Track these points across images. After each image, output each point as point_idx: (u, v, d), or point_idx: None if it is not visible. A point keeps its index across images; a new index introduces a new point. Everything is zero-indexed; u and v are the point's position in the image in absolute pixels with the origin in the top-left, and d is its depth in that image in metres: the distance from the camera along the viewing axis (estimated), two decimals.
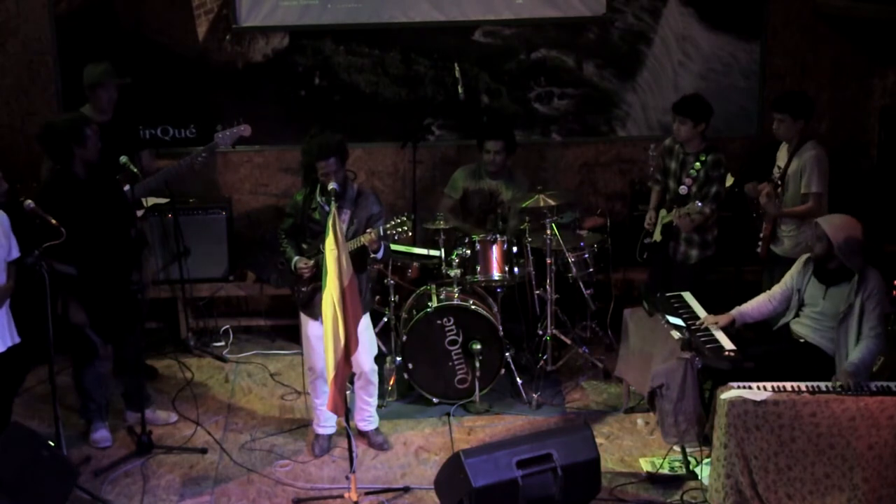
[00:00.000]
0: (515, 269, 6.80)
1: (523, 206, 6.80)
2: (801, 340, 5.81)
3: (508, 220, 7.17)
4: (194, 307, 7.48)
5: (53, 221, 5.41)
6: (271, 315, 7.74)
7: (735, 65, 7.77)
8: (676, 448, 5.84)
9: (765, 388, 5.32)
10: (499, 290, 6.83)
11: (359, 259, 5.70)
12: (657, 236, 6.75)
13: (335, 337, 5.17)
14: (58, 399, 5.65)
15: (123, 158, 5.94)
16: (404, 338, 6.50)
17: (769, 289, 6.10)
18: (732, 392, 5.30)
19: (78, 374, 6.19)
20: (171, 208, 6.95)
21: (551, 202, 6.69)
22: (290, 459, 6.06)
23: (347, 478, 5.50)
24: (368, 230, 5.73)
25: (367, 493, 5.68)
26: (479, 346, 6.41)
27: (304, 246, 5.93)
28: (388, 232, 5.68)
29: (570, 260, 6.80)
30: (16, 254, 5.51)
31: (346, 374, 5.28)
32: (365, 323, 5.89)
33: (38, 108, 7.54)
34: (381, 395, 6.41)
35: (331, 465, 6.00)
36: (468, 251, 6.73)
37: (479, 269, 6.73)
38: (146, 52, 7.48)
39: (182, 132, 7.62)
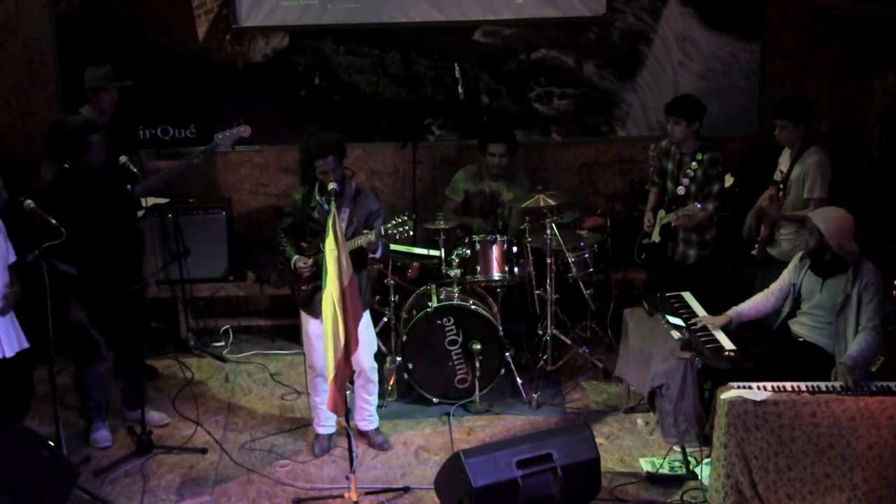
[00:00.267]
0: (515, 269, 6.80)
1: (523, 206, 6.80)
2: (801, 340, 5.82)
3: (509, 220, 7.17)
4: (194, 307, 7.48)
5: (53, 221, 5.41)
6: (271, 315, 7.74)
7: (735, 65, 7.77)
8: (676, 448, 5.84)
9: (765, 388, 5.32)
10: (499, 290, 6.83)
11: (358, 257, 5.70)
12: (656, 237, 6.75)
13: (335, 336, 5.17)
14: (58, 399, 5.66)
15: (123, 158, 5.93)
16: (404, 338, 6.50)
17: (761, 290, 6.11)
18: (732, 392, 5.30)
19: (79, 374, 6.19)
20: (171, 208, 6.95)
21: (551, 202, 6.69)
22: (290, 459, 6.06)
23: (347, 478, 5.50)
24: (365, 232, 5.73)
25: (367, 493, 5.68)
26: (479, 346, 6.41)
27: (304, 245, 5.93)
28: (390, 231, 5.69)
29: (570, 260, 6.80)
30: (13, 258, 5.52)
31: (346, 374, 5.28)
32: (365, 321, 5.89)
33: (38, 108, 7.54)
34: (381, 395, 6.42)
35: (331, 465, 6.00)
36: (468, 251, 6.74)
37: (479, 269, 6.73)
38: (146, 52, 7.48)
39: (182, 132, 7.61)
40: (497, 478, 5.02)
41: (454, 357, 6.52)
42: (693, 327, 5.87)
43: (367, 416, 6.14)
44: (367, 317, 5.96)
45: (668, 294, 6.33)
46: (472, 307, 6.51)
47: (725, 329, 5.85)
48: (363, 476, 5.79)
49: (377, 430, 6.17)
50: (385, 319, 6.96)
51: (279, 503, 5.69)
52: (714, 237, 6.65)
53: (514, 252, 6.83)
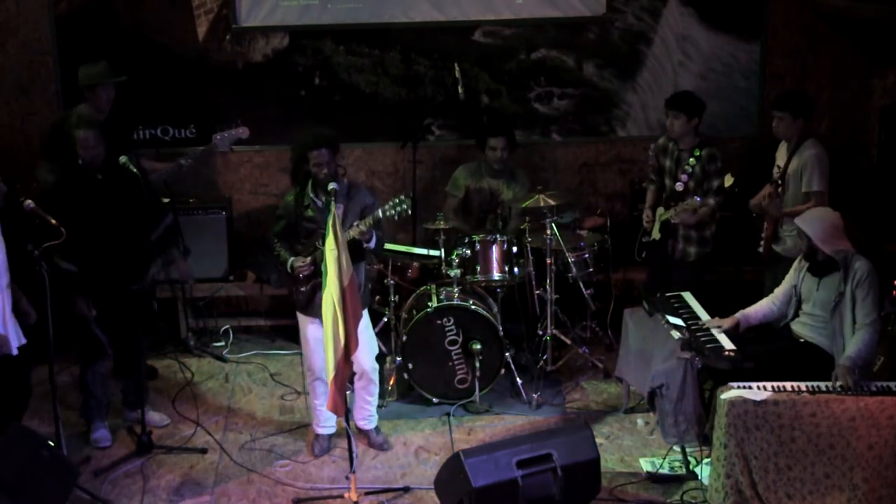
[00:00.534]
0: (515, 269, 6.80)
1: (523, 206, 6.80)
2: (801, 340, 5.81)
3: (509, 220, 7.17)
4: (194, 307, 7.47)
5: (53, 221, 5.41)
6: (271, 315, 7.74)
7: (735, 65, 7.77)
8: (676, 448, 5.84)
9: (765, 388, 5.32)
10: (499, 290, 6.83)
11: (354, 250, 5.67)
12: (656, 234, 6.75)
13: (335, 337, 5.17)
14: (58, 399, 5.65)
15: (123, 158, 5.93)
16: (404, 338, 6.50)
17: (771, 288, 6.11)
18: (732, 392, 5.30)
19: (82, 372, 6.19)
20: (172, 208, 6.95)
21: (551, 202, 6.69)
22: (290, 459, 6.06)
23: (347, 478, 5.50)
24: (356, 223, 5.68)
25: (367, 493, 5.68)
26: (479, 346, 6.41)
27: (299, 247, 5.88)
28: (388, 213, 5.63)
29: (570, 260, 6.80)
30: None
31: (346, 374, 5.27)
32: (364, 322, 5.87)
33: (38, 108, 7.54)
34: (381, 395, 6.41)
35: (331, 465, 6.00)
36: (468, 251, 6.73)
37: (479, 269, 6.73)
38: (146, 52, 7.48)
39: (182, 132, 7.62)
40: (497, 478, 5.02)
41: (454, 357, 6.52)
42: (693, 327, 5.87)
43: (368, 415, 6.14)
44: (366, 317, 5.93)
45: (668, 294, 6.33)
46: (472, 307, 6.51)
47: (727, 330, 5.84)
48: (363, 476, 5.79)
49: (377, 429, 6.17)
50: (385, 319, 6.96)
51: (279, 503, 5.69)
52: (714, 234, 6.66)
53: (514, 252, 6.83)
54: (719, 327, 5.82)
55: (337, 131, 5.91)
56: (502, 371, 6.56)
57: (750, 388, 5.33)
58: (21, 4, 7.42)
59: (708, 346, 5.67)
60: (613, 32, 7.68)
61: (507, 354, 6.58)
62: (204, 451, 6.11)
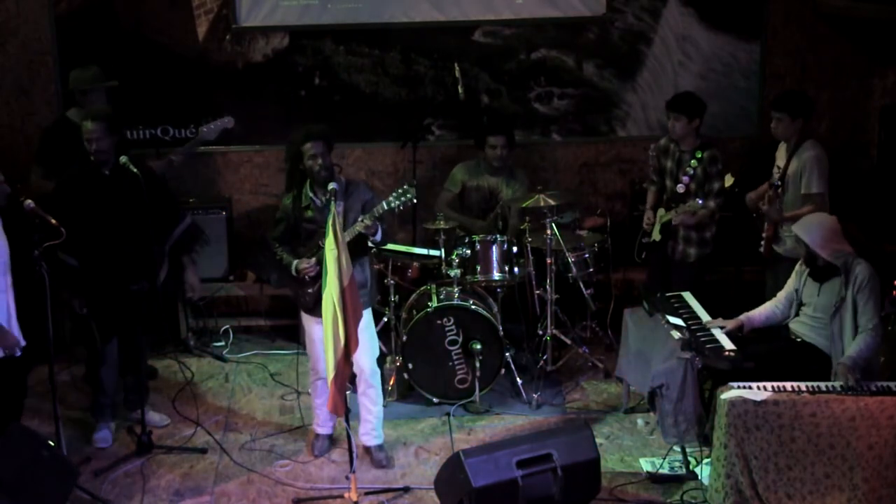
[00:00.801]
0: (515, 269, 6.80)
1: (523, 205, 6.80)
2: (800, 340, 5.82)
3: (508, 219, 7.17)
4: (194, 307, 7.47)
5: (53, 221, 5.41)
6: (271, 315, 7.74)
7: (735, 65, 7.77)
8: (676, 448, 5.84)
9: (765, 388, 5.32)
10: (499, 290, 6.83)
11: (359, 245, 5.66)
12: (656, 236, 6.75)
13: (335, 337, 5.16)
14: (58, 399, 5.65)
15: (123, 159, 5.93)
16: (404, 338, 6.50)
17: (773, 288, 6.11)
18: (732, 392, 5.30)
19: (94, 371, 6.19)
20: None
21: (551, 202, 6.69)
22: (290, 459, 6.06)
23: (347, 478, 5.50)
24: (361, 218, 5.63)
25: (367, 493, 5.68)
26: (479, 346, 6.40)
27: (301, 249, 5.82)
28: (393, 204, 5.58)
29: (570, 260, 6.80)
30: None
31: (346, 375, 5.26)
32: (365, 321, 5.81)
33: (38, 108, 7.54)
34: (382, 387, 6.38)
35: (331, 465, 6.00)
36: (468, 251, 6.73)
37: (479, 269, 6.73)
38: (146, 52, 7.49)
39: (182, 132, 7.62)
40: (497, 478, 5.02)
41: (454, 357, 6.52)
42: (693, 327, 5.87)
43: (371, 429, 6.00)
44: (368, 317, 5.88)
45: (668, 294, 6.33)
46: (472, 307, 6.51)
47: (730, 331, 5.85)
48: (363, 476, 5.79)
49: (380, 446, 6.03)
50: (385, 319, 6.95)
51: (279, 503, 5.69)
52: (714, 235, 6.66)
53: (514, 252, 6.83)
54: (722, 328, 5.82)
55: (336, 131, 5.90)
56: (502, 371, 6.56)
57: (750, 388, 5.33)
58: (21, 4, 7.42)
59: (708, 346, 5.67)
60: (613, 32, 7.68)
61: (507, 354, 6.58)
62: (204, 451, 6.11)
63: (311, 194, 5.75)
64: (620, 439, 6.22)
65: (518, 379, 6.67)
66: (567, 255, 6.79)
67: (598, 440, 5.47)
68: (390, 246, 6.82)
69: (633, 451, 6.10)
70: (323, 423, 6.09)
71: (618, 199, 7.94)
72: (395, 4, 7.53)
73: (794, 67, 7.80)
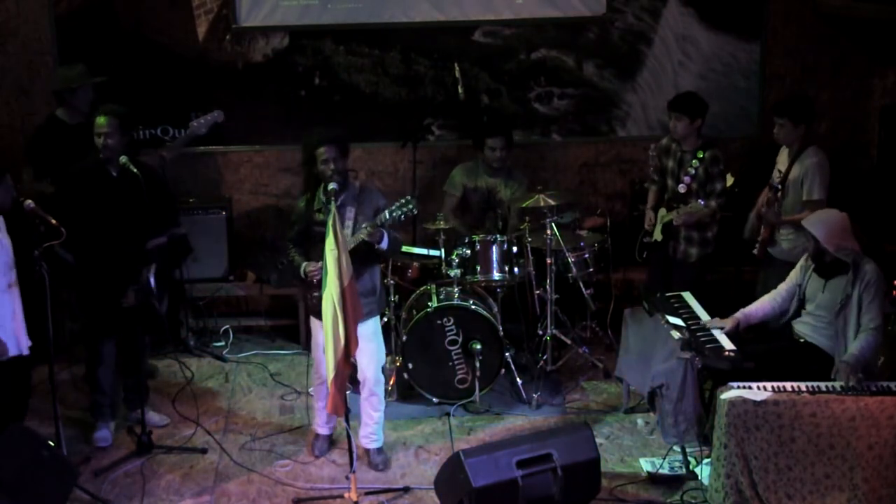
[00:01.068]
0: (515, 269, 6.80)
1: (523, 205, 6.80)
2: (801, 340, 5.82)
3: (508, 219, 7.17)
4: (194, 307, 7.47)
5: (53, 221, 5.42)
6: (271, 315, 7.74)
7: (735, 65, 7.77)
8: (676, 448, 5.84)
9: (765, 388, 5.32)
10: (499, 290, 6.83)
11: (367, 253, 5.64)
12: (657, 235, 6.75)
13: (335, 337, 5.16)
14: (58, 399, 5.65)
15: (123, 159, 5.93)
16: (404, 338, 6.50)
17: (763, 290, 6.11)
18: (732, 392, 5.30)
19: (93, 371, 6.20)
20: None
21: (551, 202, 6.69)
22: (290, 459, 6.06)
23: (347, 478, 5.49)
24: (364, 225, 5.62)
25: (367, 493, 5.68)
26: (479, 346, 6.41)
27: (312, 252, 5.75)
28: (394, 214, 5.55)
29: (570, 260, 6.80)
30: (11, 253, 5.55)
31: (346, 375, 5.26)
32: (372, 329, 5.79)
33: (38, 108, 7.53)
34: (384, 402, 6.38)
35: (331, 465, 6.00)
36: (468, 251, 6.73)
37: (479, 269, 6.73)
38: (146, 52, 7.48)
39: (182, 132, 7.59)
40: (497, 478, 5.02)
41: (454, 357, 6.52)
42: (693, 327, 5.87)
43: (370, 433, 6.00)
44: (376, 324, 5.86)
45: (668, 294, 6.33)
46: (472, 307, 6.51)
47: (728, 330, 5.85)
48: (363, 476, 5.79)
49: (379, 449, 6.03)
50: (385, 319, 6.95)
51: (279, 503, 5.69)
52: (715, 235, 6.66)
53: (514, 252, 6.83)
54: (721, 328, 5.82)
55: (315, 132, 5.85)
56: (502, 371, 6.56)
57: (750, 388, 5.33)
58: (21, 4, 7.42)
59: (708, 346, 5.67)
60: (613, 32, 7.68)
61: (507, 354, 6.58)
62: (204, 451, 6.11)
63: (323, 199, 5.69)
64: (620, 439, 6.22)
65: (518, 379, 6.67)
66: (567, 255, 6.79)
67: (598, 440, 5.46)
68: (398, 239, 6.79)
69: (633, 451, 6.10)
70: (324, 423, 6.08)
71: (618, 199, 7.94)
72: (395, 4, 7.53)
73: (794, 67, 7.80)
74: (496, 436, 6.22)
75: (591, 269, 6.93)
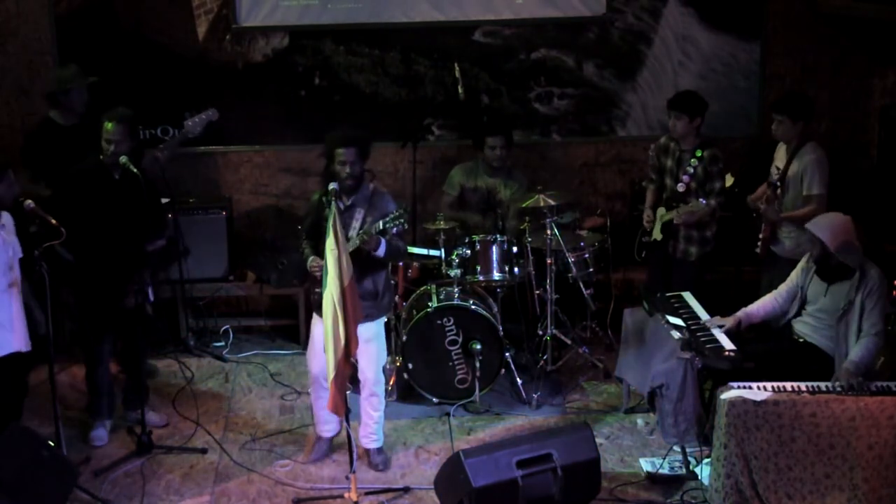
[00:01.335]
0: (515, 269, 6.80)
1: (523, 205, 6.80)
2: (801, 340, 5.82)
3: (508, 219, 7.17)
4: (194, 307, 7.47)
5: (53, 221, 5.42)
6: (271, 315, 7.74)
7: (735, 65, 7.77)
8: (676, 448, 5.84)
9: (765, 388, 5.32)
10: (499, 290, 6.83)
11: (369, 258, 5.61)
12: (657, 235, 6.75)
13: (335, 337, 5.16)
14: (58, 399, 5.65)
15: (123, 159, 5.93)
16: (404, 338, 6.50)
17: (767, 289, 6.10)
18: (732, 392, 5.30)
19: (90, 371, 6.20)
20: (171, 208, 6.95)
21: (551, 202, 6.69)
22: (290, 459, 6.06)
23: (347, 478, 5.49)
24: (361, 231, 5.60)
25: (367, 493, 5.68)
26: (479, 346, 6.40)
27: (321, 247, 5.78)
28: (387, 225, 5.54)
29: (570, 260, 6.80)
30: (19, 254, 5.54)
31: (346, 374, 5.26)
32: (374, 331, 5.77)
33: (38, 108, 7.51)
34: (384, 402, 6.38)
35: (331, 465, 5.99)
36: (468, 251, 6.73)
37: (479, 269, 6.73)
38: (146, 52, 7.48)
39: (180, 131, 7.61)
40: (497, 478, 5.02)
41: (454, 357, 6.52)
42: (693, 327, 5.87)
43: (370, 433, 5.99)
44: (379, 327, 5.84)
45: (668, 294, 6.33)
46: (472, 307, 6.51)
47: (728, 329, 5.84)
48: (363, 476, 5.79)
49: (379, 449, 6.03)
50: (385, 319, 6.94)
51: (279, 503, 5.69)
52: (715, 233, 6.67)
53: (514, 252, 6.83)
54: (721, 326, 5.82)
55: (339, 132, 5.86)
56: (502, 371, 6.56)
57: (750, 388, 5.33)
58: (21, 4, 7.42)
59: (708, 346, 5.67)
60: (613, 32, 7.68)
61: (507, 354, 6.58)
62: (204, 451, 6.11)
63: (324, 198, 5.68)
64: (620, 439, 6.22)
65: (518, 379, 6.67)
66: (567, 255, 6.79)
67: (598, 440, 5.46)
68: (400, 246, 6.79)
69: (633, 451, 6.10)
70: (324, 425, 6.03)
71: (618, 199, 7.94)
72: (395, 4, 7.52)
73: (794, 67, 7.80)
74: (496, 436, 6.22)
75: (591, 269, 6.94)
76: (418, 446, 6.19)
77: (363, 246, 5.56)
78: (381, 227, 5.53)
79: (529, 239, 6.86)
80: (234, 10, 7.48)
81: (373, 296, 5.73)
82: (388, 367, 6.68)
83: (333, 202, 5.32)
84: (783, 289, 5.93)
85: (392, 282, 6.67)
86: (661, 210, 6.73)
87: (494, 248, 6.75)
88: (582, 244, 6.95)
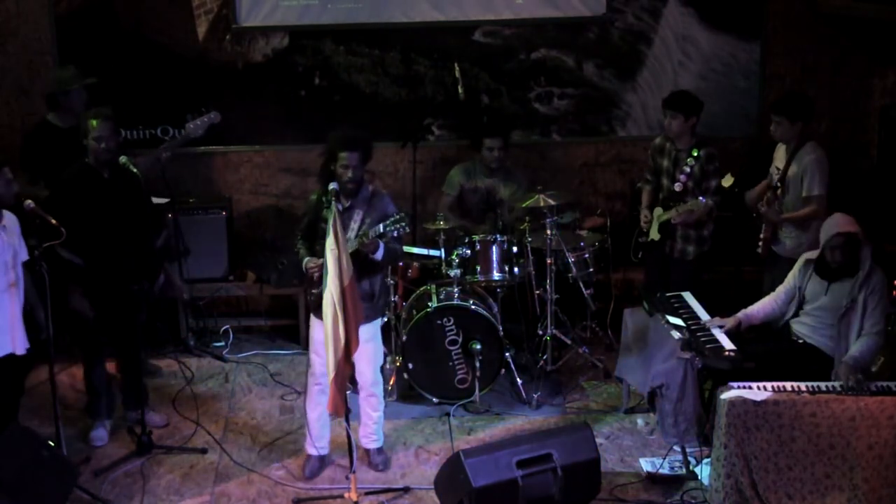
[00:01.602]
0: (515, 269, 6.80)
1: (523, 205, 6.80)
2: (801, 341, 5.82)
3: (507, 219, 7.15)
4: (194, 307, 7.47)
5: (53, 221, 5.41)
6: (271, 315, 7.74)
7: (735, 65, 7.77)
8: (676, 448, 5.84)
9: (765, 388, 5.32)
10: (499, 290, 6.83)
11: (367, 262, 5.61)
12: (654, 235, 6.75)
13: (335, 336, 5.15)
14: (58, 399, 5.64)
15: (123, 159, 5.94)
16: (404, 338, 6.50)
17: (770, 289, 6.10)
18: (732, 392, 5.30)
19: (88, 372, 6.19)
20: (171, 208, 6.95)
21: (551, 202, 6.69)
22: (290, 459, 6.05)
23: (347, 478, 5.50)
24: (360, 234, 5.57)
25: (367, 493, 5.68)
26: (479, 346, 6.40)
27: (318, 248, 5.71)
28: (387, 228, 5.51)
29: (570, 260, 6.80)
30: (24, 256, 5.54)
31: (346, 374, 5.25)
32: (371, 332, 5.74)
33: (38, 108, 7.51)
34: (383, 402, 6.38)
35: (331, 466, 5.99)
36: (468, 251, 6.73)
37: (479, 269, 6.73)
38: (146, 52, 7.48)
39: (182, 132, 7.59)
40: (497, 478, 5.02)
41: (454, 357, 6.52)
42: (693, 327, 5.87)
43: (370, 433, 5.97)
44: (374, 328, 5.82)
45: (668, 294, 6.33)
46: (472, 307, 6.51)
47: (728, 329, 5.85)
48: (363, 476, 5.79)
49: (379, 449, 6.01)
50: (385, 319, 6.94)
51: (279, 503, 5.69)
52: (712, 232, 6.67)
53: (514, 252, 6.83)
54: (721, 327, 5.82)
55: (343, 133, 5.84)
56: (502, 371, 6.56)
57: (750, 388, 5.33)
58: (21, 4, 7.42)
59: (708, 346, 5.67)
60: (613, 32, 7.68)
61: (507, 354, 6.58)
62: (204, 451, 6.12)
63: (324, 198, 5.64)
64: (620, 439, 6.22)
65: (518, 379, 6.67)
66: (567, 255, 6.79)
67: (598, 440, 5.47)
68: (397, 248, 6.79)
69: (633, 451, 6.10)
70: (315, 442, 5.87)
71: (618, 199, 7.94)
72: (395, 4, 7.52)
73: (794, 67, 7.80)
74: (496, 436, 6.23)
75: (591, 269, 6.94)
76: (418, 446, 6.19)
77: (362, 248, 5.55)
78: (380, 230, 5.49)
79: (529, 239, 6.86)
80: (234, 10, 7.47)
81: (369, 297, 5.71)
82: (388, 367, 6.69)
83: (334, 202, 5.32)
84: (781, 290, 5.93)
85: (392, 282, 6.70)
86: (659, 210, 6.73)
87: (494, 248, 6.75)
88: (582, 244, 6.95)
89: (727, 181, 6.85)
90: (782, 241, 6.44)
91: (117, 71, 7.32)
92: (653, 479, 5.80)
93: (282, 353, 7.37)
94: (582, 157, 7.92)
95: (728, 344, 5.66)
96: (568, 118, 7.83)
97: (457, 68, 7.48)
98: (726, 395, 5.29)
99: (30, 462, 5.20)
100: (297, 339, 7.45)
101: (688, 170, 6.53)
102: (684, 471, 5.82)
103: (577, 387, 6.85)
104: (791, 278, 5.90)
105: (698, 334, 5.79)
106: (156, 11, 7.47)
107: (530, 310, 6.99)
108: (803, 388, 5.35)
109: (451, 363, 6.53)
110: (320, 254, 5.67)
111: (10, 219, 5.50)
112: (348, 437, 5.44)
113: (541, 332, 6.89)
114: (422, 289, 6.81)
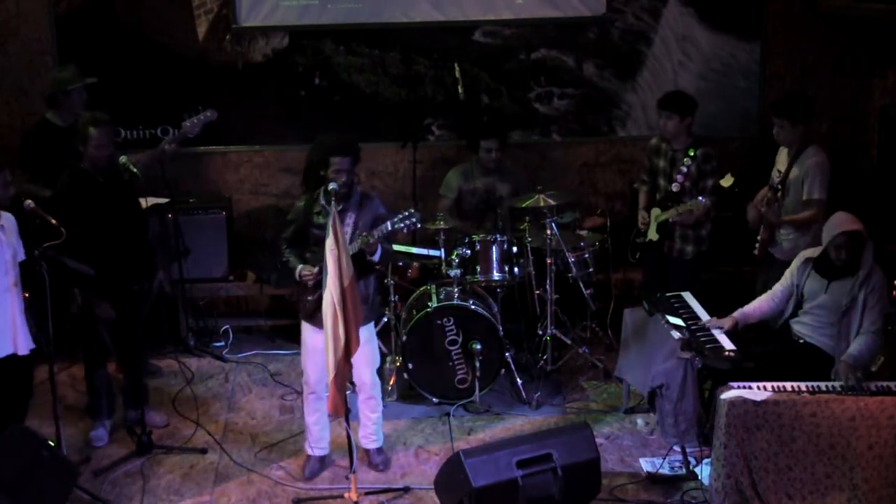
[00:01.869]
0: (515, 269, 6.80)
1: (523, 205, 6.80)
2: (801, 340, 5.81)
3: (507, 218, 7.15)
4: (194, 307, 7.47)
5: (53, 221, 5.41)
6: (271, 315, 7.74)
7: (735, 65, 7.77)
8: (676, 448, 5.84)
9: (765, 388, 5.32)
10: (499, 290, 6.83)
11: (362, 263, 5.60)
12: (653, 235, 6.74)
13: (335, 336, 5.15)
14: (58, 399, 5.65)
15: (123, 158, 5.94)
16: (404, 338, 6.50)
17: (762, 290, 6.10)
18: (732, 392, 5.30)
19: (89, 372, 6.19)
20: (171, 208, 6.95)
21: (551, 202, 6.69)
22: (290, 459, 6.06)
23: (347, 478, 5.50)
24: (363, 235, 5.57)
25: (367, 493, 5.68)
26: (479, 346, 6.40)
27: (308, 255, 5.73)
28: (397, 225, 5.52)
29: (570, 260, 6.80)
30: (22, 256, 5.54)
31: (346, 374, 5.25)
32: (367, 334, 5.72)
33: (38, 108, 7.50)
34: (381, 396, 6.39)
35: (331, 466, 5.99)
36: (468, 251, 6.73)
37: (479, 269, 6.73)
38: (146, 52, 7.49)
39: (178, 131, 7.60)
40: (497, 478, 5.02)
41: (454, 357, 6.52)
42: (693, 327, 5.87)
43: (370, 433, 5.98)
44: (370, 330, 5.82)
45: (668, 294, 6.33)
46: (472, 307, 6.51)
47: (727, 329, 5.84)
48: (363, 476, 5.79)
49: (379, 449, 6.02)
50: (385, 319, 6.95)
51: (279, 503, 5.69)
52: (709, 232, 6.67)
53: (514, 252, 6.83)
54: (720, 327, 5.82)
55: (336, 131, 5.88)
56: (502, 371, 6.56)
57: (750, 388, 5.33)
58: (21, 4, 7.42)
59: (708, 346, 5.67)
60: (613, 32, 7.68)
61: (507, 354, 6.58)
62: (204, 451, 6.12)
63: (323, 202, 5.66)
64: (620, 439, 6.22)
65: (518, 379, 6.67)
66: (567, 255, 6.79)
67: (598, 440, 5.47)
68: (391, 247, 6.80)
69: (633, 451, 6.10)
70: (315, 443, 5.91)
71: (618, 199, 7.94)
72: (395, 4, 7.53)
73: (794, 67, 7.80)
74: (496, 436, 6.23)
75: (591, 269, 6.94)
76: (418, 446, 6.19)
77: (366, 249, 5.55)
78: (389, 227, 5.51)
79: (529, 239, 6.86)
80: (234, 10, 7.48)
81: (364, 299, 5.69)
82: (388, 367, 6.69)
83: (333, 203, 5.32)
84: (778, 288, 5.92)
85: (391, 282, 6.70)
86: (656, 210, 6.73)
87: (494, 248, 6.75)
88: (582, 244, 6.95)
89: (727, 181, 6.84)
90: (779, 244, 6.43)
91: (117, 71, 7.32)
92: (653, 479, 5.81)
93: (282, 353, 7.37)
94: (582, 157, 7.92)
95: (728, 344, 5.66)
96: (568, 118, 7.84)
97: (457, 68, 7.48)
98: (726, 395, 5.29)
99: (30, 462, 5.20)
100: (297, 339, 7.40)
101: (685, 170, 6.53)
102: (684, 471, 5.82)
103: (577, 387, 6.85)
104: (789, 276, 5.89)
105: (698, 334, 5.79)
106: (156, 11, 7.47)
107: (530, 310, 6.99)
108: (803, 388, 5.35)
109: (451, 363, 6.53)
110: (311, 261, 5.68)
111: (7, 219, 5.50)
112: (348, 437, 5.44)
113: (541, 332, 6.90)
114: (422, 289, 6.81)
